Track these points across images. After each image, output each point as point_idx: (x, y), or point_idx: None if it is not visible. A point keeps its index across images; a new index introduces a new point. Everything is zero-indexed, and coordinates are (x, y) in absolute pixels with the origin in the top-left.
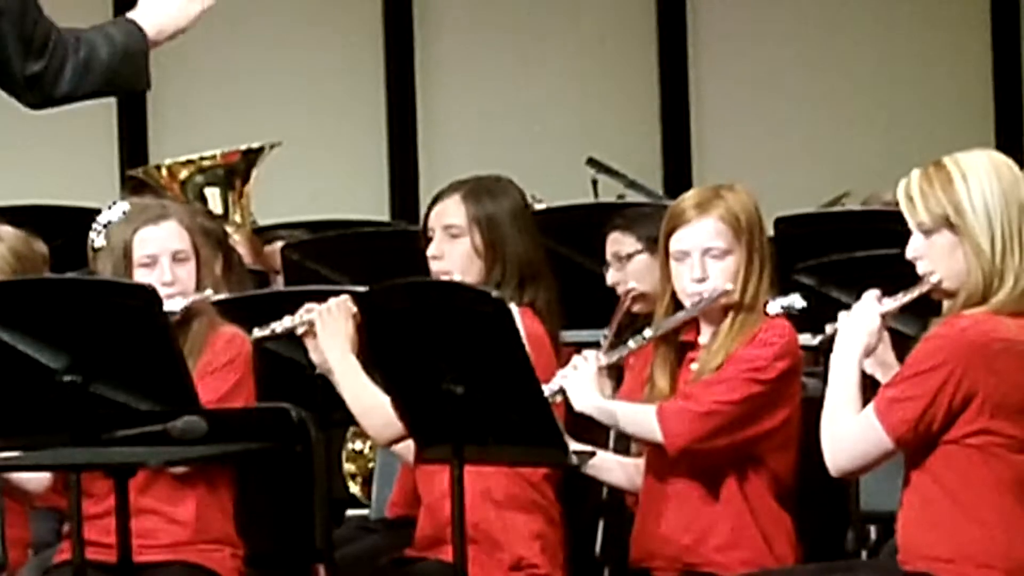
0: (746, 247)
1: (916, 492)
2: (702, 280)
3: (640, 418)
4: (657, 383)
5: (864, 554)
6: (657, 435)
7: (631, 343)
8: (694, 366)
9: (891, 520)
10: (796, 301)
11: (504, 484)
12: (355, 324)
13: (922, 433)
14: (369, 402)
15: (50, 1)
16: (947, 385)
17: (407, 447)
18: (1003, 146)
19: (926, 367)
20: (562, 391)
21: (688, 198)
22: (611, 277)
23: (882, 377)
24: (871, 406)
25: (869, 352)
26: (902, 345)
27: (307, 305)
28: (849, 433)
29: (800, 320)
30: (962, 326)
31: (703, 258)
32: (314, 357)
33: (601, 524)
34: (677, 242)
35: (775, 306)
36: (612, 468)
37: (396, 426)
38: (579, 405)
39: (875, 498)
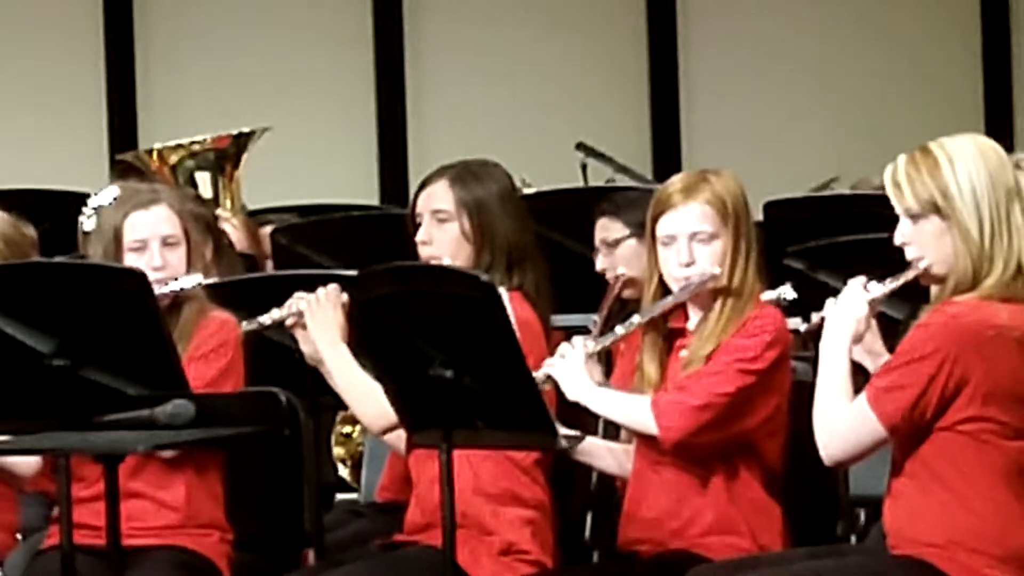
0: (733, 231)
1: (908, 479)
2: (689, 264)
3: (634, 409)
4: (646, 370)
5: (853, 538)
6: (652, 428)
7: (619, 329)
8: (683, 353)
9: (880, 504)
10: (787, 292)
11: (494, 470)
12: (344, 312)
13: (915, 421)
14: (362, 391)
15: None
16: (940, 373)
17: (399, 436)
18: (992, 131)
19: (918, 355)
20: (550, 379)
21: (674, 183)
22: (600, 263)
23: (870, 365)
24: (863, 395)
25: (858, 339)
26: (891, 330)
27: (297, 294)
28: (842, 423)
29: (788, 304)
30: (954, 313)
31: (690, 242)
32: (304, 348)
33: (590, 509)
34: (664, 227)
35: (765, 298)
36: (601, 453)
37: (389, 415)
38: (572, 394)
39: (864, 482)
